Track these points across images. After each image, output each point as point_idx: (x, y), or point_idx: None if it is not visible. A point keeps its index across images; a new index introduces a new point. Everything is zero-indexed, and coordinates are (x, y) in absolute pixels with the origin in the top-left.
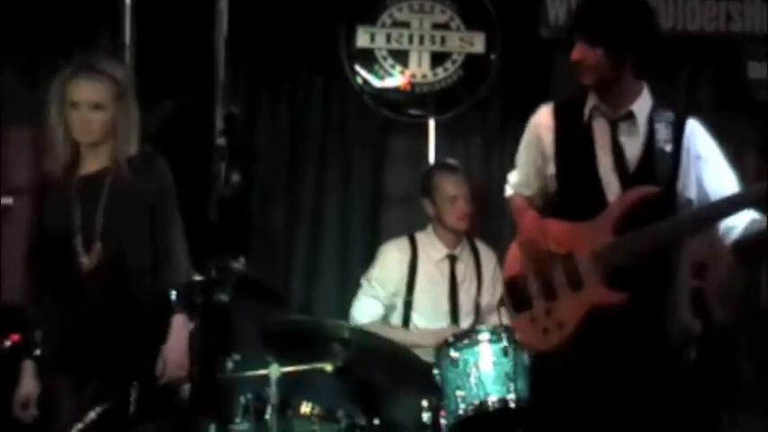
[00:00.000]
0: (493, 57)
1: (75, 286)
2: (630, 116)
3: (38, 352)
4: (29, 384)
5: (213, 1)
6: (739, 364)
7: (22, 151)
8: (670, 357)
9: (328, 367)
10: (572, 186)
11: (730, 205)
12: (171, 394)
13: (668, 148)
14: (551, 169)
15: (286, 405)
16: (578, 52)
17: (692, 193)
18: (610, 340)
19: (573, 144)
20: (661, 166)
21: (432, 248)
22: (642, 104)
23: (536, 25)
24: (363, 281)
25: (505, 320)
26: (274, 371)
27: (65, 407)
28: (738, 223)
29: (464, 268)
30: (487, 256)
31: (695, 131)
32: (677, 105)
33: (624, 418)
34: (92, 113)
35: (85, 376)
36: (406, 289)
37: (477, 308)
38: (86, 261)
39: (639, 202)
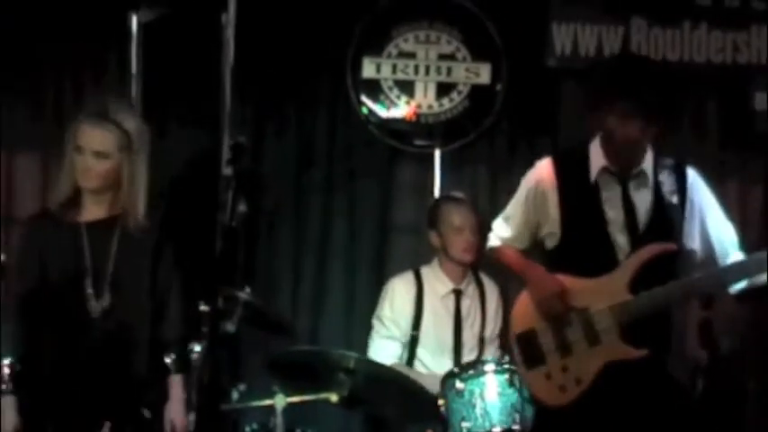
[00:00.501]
0: (499, 87)
1: (78, 329)
2: (641, 174)
3: (7, 387)
4: (12, 420)
5: (220, 30)
6: (747, 394)
7: (30, 179)
8: (677, 394)
9: (333, 397)
10: (579, 244)
11: (743, 271)
12: None
13: (674, 199)
14: (552, 227)
15: None
16: (639, 131)
17: (695, 244)
18: (619, 385)
19: (581, 203)
20: (672, 220)
21: (437, 283)
22: (649, 158)
23: (542, 55)
24: (375, 321)
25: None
26: (280, 401)
27: None
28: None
29: (469, 303)
30: (491, 289)
31: (696, 180)
32: (683, 136)
33: None
34: (94, 161)
35: (75, 419)
36: (412, 324)
37: (482, 342)
38: (96, 305)
39: (656, 258)
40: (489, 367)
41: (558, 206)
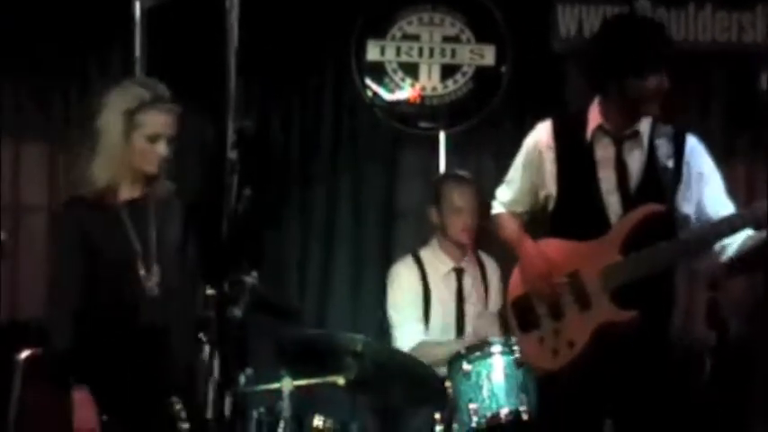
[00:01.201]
0: (503, 69)
1: (134, 311)
2: (636, 135)
3: (75, 379)
4: (89, 418)
5: (224, 15)
6: (755, 375)
7: (37, 167)
8: (676, 370)
9: (341, 381)
10: (573, 205)
11: (730, 226)
12: None
13: (670, 163)
14: (549, 188)
15: (299, 419)
16: (666, 82)
17: (690, 209)
18: (616, 355)
19: (575, 163)
20: (664, 182)
21: (437, 263)
22: (645, 121)
23: (547, 38)
24: (390, 311)
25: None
26: (287, 384)
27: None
28: (733, 241)
29: (471, 281)
30: (492, 267)
31: (695, 147)
32: (689, 117)
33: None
34: (165, 147)
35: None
36: (423, 305)
37: None
38: (150, 285)
39: (646, 220)
40: (496, 348)
41: (554, 167)
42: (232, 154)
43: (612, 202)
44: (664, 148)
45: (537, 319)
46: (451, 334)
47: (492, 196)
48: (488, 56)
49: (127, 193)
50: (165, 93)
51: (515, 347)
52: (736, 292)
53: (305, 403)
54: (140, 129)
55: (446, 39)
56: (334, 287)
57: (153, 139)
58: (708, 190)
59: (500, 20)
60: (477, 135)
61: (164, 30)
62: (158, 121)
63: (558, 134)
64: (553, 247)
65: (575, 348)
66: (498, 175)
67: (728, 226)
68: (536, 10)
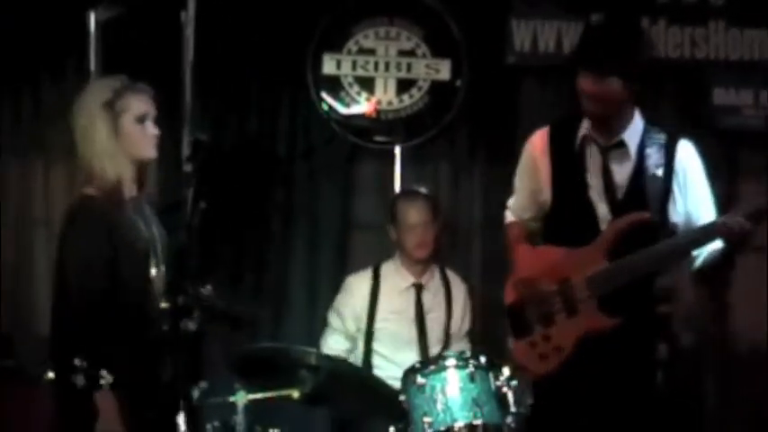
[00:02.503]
0: (459, 83)
1: (149, 312)
2: (621, 145)
3: (104, 381)
4: (112, 421)
5: (179, 28)
6: (704, 388)
7: None
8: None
9: (295, 394)
10: (564, 211)
11: (705, 235)
12: None
13: (659, 172)
14: (546, 194)
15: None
16: (590, 83)
17: (678, 218)
18: (602, 359)
19: (566, 170)
20: (652, 191)
21: (397, 277)
22: (633, 131)
23: (502, 52)
24: (329, 314)
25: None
26: (241, 398)
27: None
28: (701, 251)
29: (432, 297)
30: (457, 286)
31: (687, 154)
32: None
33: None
34: (152, 128)
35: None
36: (367, 319)
37: (447, 336)
38: (159, 285)
39: (630, 228)
40: (450, 362)
41: (548, 173)
42: (187, 167)
43: (601, 210)
44: (653, 156)
45: (529, 326)
46: (412, 350)
47: (449, 210)
48: (444, 70)
49: (130, 191)
50: (127, 79)
51: (470, 361)
52: (687, 305)
53: (260, 417)
54: (125, 114)
55: (402, 53)
56: (289, 300)
57: (140, 119)
58: (690, 197)
59: (456, 34)
60: (434, 149)
61: (119, 42)
62: (140, 100)
63: (553, 140)
64: (548, 254)
65: (562, 354)
66: (455, 189)
67: (703, 235)
68: (491, 24)
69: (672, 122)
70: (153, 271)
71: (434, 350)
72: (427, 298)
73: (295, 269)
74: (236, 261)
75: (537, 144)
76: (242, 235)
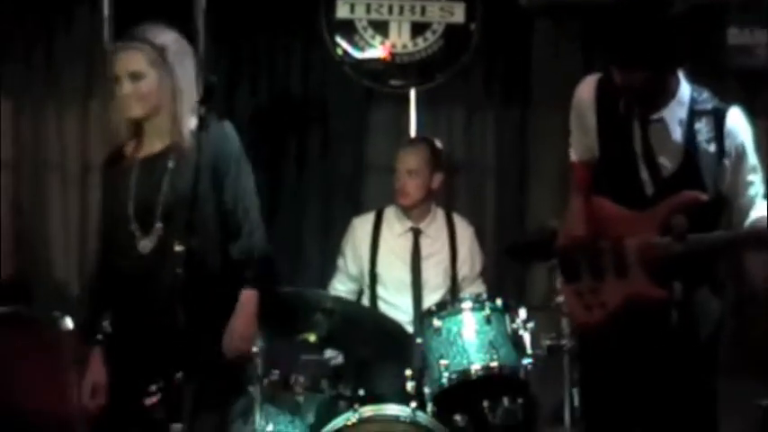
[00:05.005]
0: (473, 26)
1: (136, 269)
2: (660, 121)
3: (100, 336)
4: (98, 371)
5: None
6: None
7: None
8: (696, 343)
9: (312, 338)
10: (611, 167)
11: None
12: (236, 381)
13: (711, 148)
14: (594, 142)
15: (270, 376)
16: (621, 76)
17: (726, 191)
18: (644, 328)
19: (612, 129)
20: (706, 169)
21: (395, 221)
22: (676, 105)
23: None
24: (338, 257)
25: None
26: (257, 342)
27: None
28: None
29: (431, 242)
30: (463, 228)
31: (736, 125)
32: None
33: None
34: (130, 85)
35: (151, 363)
36: (370, 262)
37: (454, 280)
38: (147, 243)
39: (686, 207)
40: (466, 305)
41: (595, 125)
42: (200, 110)
43: (644, 176)
44: (704, 132)
45: (578, 274)
46: (407, 294)
47: (461, 153)
48: (458, 13)
49: (148, 148)
50: (133, 34)
51: (486, 304)
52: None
53: (276, 360)
54: (110, 78)
55: None
56: (304, 244)
57: (117, 81)
58: (742, 169)
59: None
60: (448, 92)
61: None
62: (115, 63)
63: (600, 94)
64: (603, 209)
65: (605, 309)
66: (469, 132)
67: (755, 238)
68: None
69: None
70: (134, 228)
71: (434, 296)
72: (426, 243)
73: (310, 214)
74: None
75: (585, 94)
76: (256, 180)
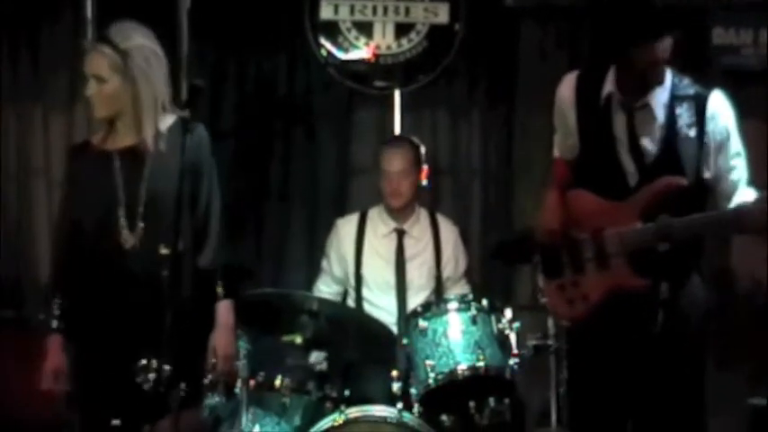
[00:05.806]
0: (457, 27)
1: (114, 262)
2: (645, 107)
3: (55, 324)
4: (57, 358)
5: None
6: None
7: None
8: (685, 339)
9: (298, 339)
10: (592, 161)
11: (738, 220)
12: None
13: (692, 132)
14: (574, 140)
15: (256, 378)
16: (664, 51)
17: (709, 175)
18: (626, 317)
19: (592, 123)
20: (686, 154)
21: (380, 222)
22: (661, 90)
23: None
24: (322, 259)
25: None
26: (243, 344)
27: (97, 383)
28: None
29: (415, 243)
30: (448, 230)
31: (717, 110)
32: None
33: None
34: (95, 86)
35: (120, 356)
36: (354, 263)
37: (439, 281)
38: (130, 238)
39: (667, 192)
40: (452, 306)
41: (575, 122)
42: (184, 113)
43: (628, 165)
44: (684, 116)
45: (561, 268)
46: (391, 295)
47: (446, 154)
48: (442, 14)
49: (124, 140)
50: (105, 35)
51: (472, 304)
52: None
53: (262, 362)
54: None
55: None
56: (289, 246)
57: (86, 78)
58: (724, 154)
59: None
60: (432, 93)
61: None
62: (84, 63)
63: (579, 90)
64: (582, 201)
65: (588, 302)
66: (454, 133)
67: (735, 219)
68: None
69: (671, 63)
70: (122, 224)
71: (419, 297)
72: (410, 244)
73: (294, 215)
74: (235, 206)
75: (565, 91)
76: (240, 181)
